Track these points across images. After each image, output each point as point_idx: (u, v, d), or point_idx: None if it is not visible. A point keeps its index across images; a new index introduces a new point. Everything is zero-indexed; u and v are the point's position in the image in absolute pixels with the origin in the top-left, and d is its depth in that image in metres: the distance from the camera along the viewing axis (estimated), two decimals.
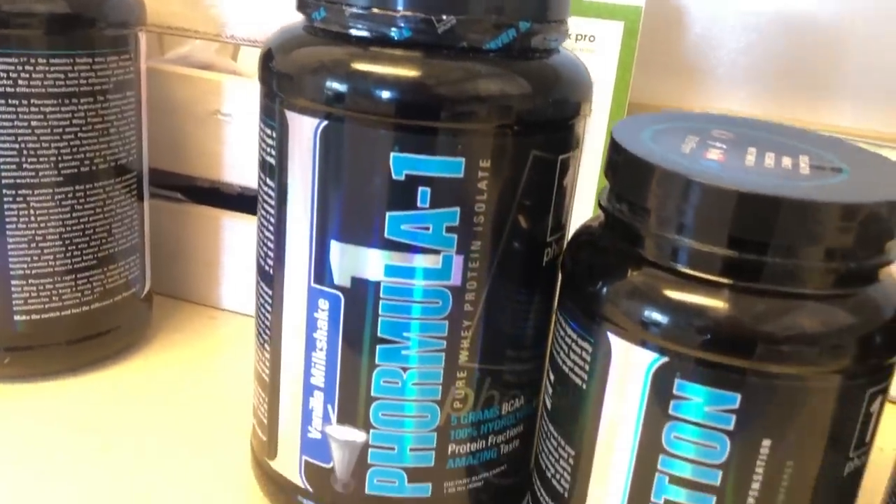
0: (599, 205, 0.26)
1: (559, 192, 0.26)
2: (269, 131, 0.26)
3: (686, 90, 0.50)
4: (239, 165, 0.42)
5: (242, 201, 0.45)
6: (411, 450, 0.26)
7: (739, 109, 0.50)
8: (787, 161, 0.24)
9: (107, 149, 0.35)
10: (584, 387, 0.25)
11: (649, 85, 0.48)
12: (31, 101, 0.32)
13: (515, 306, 0.26)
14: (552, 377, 0.27)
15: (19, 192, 0.33)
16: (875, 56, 0.49)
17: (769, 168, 0.23)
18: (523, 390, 0.28)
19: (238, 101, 0.41)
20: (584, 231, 0.27)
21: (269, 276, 0.27)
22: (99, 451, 0.32)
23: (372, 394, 0.26)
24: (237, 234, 0.44)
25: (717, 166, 0.23)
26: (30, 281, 0.35)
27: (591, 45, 0.40)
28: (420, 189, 0.24)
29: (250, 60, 0.49)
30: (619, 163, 0.24)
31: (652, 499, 0.24)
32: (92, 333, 0.37)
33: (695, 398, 0.23)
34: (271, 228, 0.27)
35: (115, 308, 0.38)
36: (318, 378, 0.26)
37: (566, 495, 0.26)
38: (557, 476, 0.26)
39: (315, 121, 0.24)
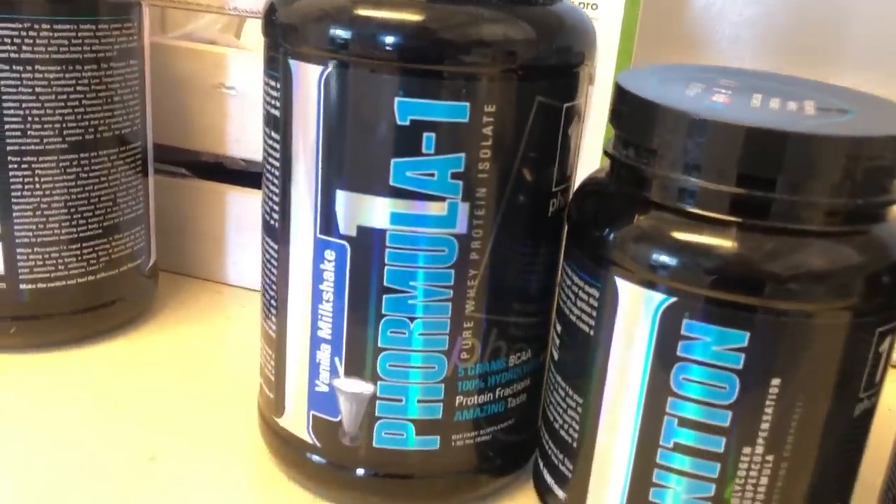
0: (605, 153, 0.26)
1: (564, 142, 0.26)
2: (273, 83, 0.26)
3: (689, 62, 0.50)
4: (243, 139, 0.42)
5: (247, 176, 0.45)
6: (419, 401, 0.26)
7: None
8: (792, 105, 0.24)
9: (111, 117, 0.35)
10: (592, 334, 0.25)
11: (652, 58, 0.48)
12: (35, 67, 0.33)
13: (521, 257, 0.26)
14: (559, 328, 0.27)
15: (24, 158, 0.33)
16: (878, 28, 0.49)
17: (774, 110, 0.23)
18: (530, 344, 0.28)
19: (242, 75, 0.41)
20: (589, 182, 0.27)
21: (275, 231, 0.27)
22: (106, 417, 0.32)
23: (379, 344, 0.26)
24: (242, 209, 0.44)
25: (722, 107, 0.23)
26: (35, 249, 0.35)
27: (595, 13, 0.39)
28: (425, 135, 0.24)
29: (254, 38, 0.49)
30: (625, 107, 0.24)
31: (661, 442, 0.24)
32: (97, 304, 0.37)
33: (703, 338, 0.22)
34: (276, 182, 0.27)
35: (121, 279, 0.38)
36: (325, 330, 0.26)
37: (575, 445, 0.26)
38: (566, 426, 0.26)
39: (319, 68, 0.24)
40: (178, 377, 0.36)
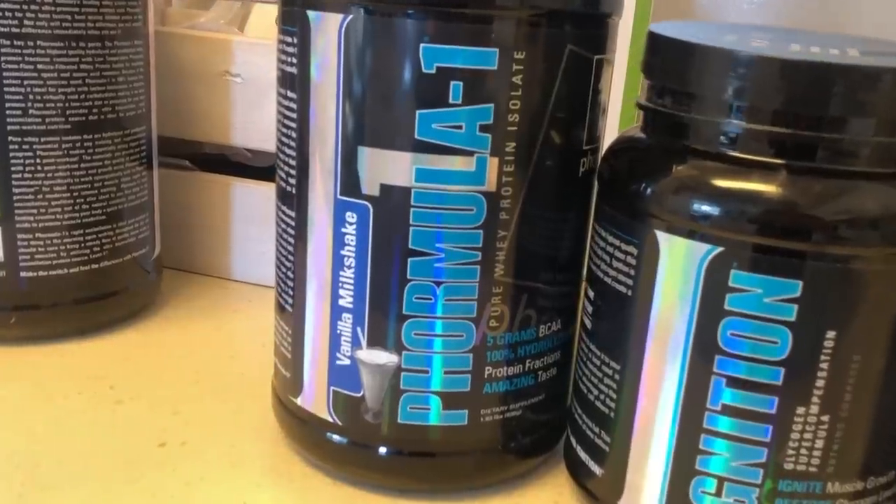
0: (638, 105, 0.25)
1: (595, 97, 0.25)
2: (289, 39, 0.25)
3: None
4: (249, 129, 0.41)
5: (252, 168, 0.43)
6: (446, 373, 0.25)
7: None
8: (834, 51, 0.23)
9: (115, 98, 0.34)
10: (630, 294, 0.23)
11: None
12: (38, 42, 0.31)
13: (552, 218, 0.25)
14: (591, 295, 0.25)
15: (25, 139, 0.32)
16: (889, 15, 0.48)
17: (818, 53, 0.22)
18: (560, 314, 0.26)
19: (248, 62, 0.40)
20: (620, 140, 0.26)
21: (291, 197, 0.26)
22: (112, 405, 0.31)
23: (404, 311, 0.24)
24: (247, 202, 0.42)
25: (765, 47, 0.22)
26: (36, 235, 0.33)
27: None
28: (452, 83, 0.22)
29: (258, 29, 0.48)
30: (660, 54, 0.23)
31: (708, 405, 0.22)
32: (100, 293, 0.36)
33: (753, 289, 0.21)
34: (293, 144, 0.25)
35: (125, 268, 0.36)
36: (347, 299, 0.25)
37: (612, 415, 0.25)
38: (602, 397, 0.25)
39: (339, 16, 0.23)
40: (185, 367, 0.34)
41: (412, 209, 0.23)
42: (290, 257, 0.26)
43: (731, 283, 0.21)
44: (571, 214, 0.26)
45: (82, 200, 0.34)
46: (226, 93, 0.41)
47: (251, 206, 0.42)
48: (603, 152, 0.26)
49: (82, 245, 0.34)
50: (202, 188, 0.43)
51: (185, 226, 0.44)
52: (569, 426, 0.28)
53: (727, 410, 0.22)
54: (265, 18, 0.49)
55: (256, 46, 0.40)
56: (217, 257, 0.44)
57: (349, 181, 0.24)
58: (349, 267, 0.25)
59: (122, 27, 0.34)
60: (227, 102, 0.41)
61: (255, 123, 0.41)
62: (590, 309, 0.26)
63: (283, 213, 0.26)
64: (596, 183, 0.26)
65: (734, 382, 0.22)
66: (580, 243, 0.27)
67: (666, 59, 0.23)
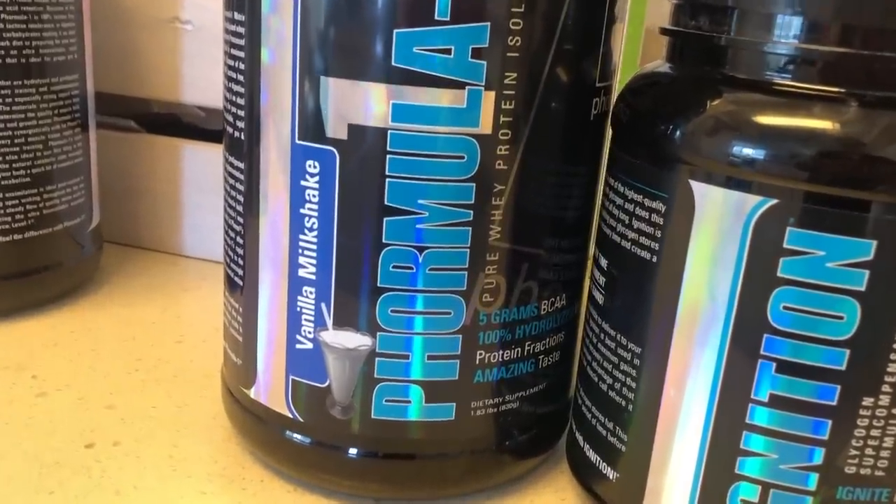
0: (663, 31, 0.20)
1: (610, 22, 0.20)
2: None
3: None
4: (201, 83, 0.36)
5: (205, 130, 0.39)
6: (429, 358, 0.21)
7: None
8: None
9: (39, 39, 0.29)
10: (654, 260, 0.19)
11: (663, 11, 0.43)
12: None
13: (558, 170, 0.21)
14: (604, 264, 0.21)
15: None
16: None
17: None
18: (565, 287, 0.22)
19: (199, 6, 0.35)
20: (640, 77, 0.21)
21: (240, 145, 0.21)
22: (35, 399, 0.26)
23: (379, 284, 0.20)
24: (201, 167, 0.38)
25: None
26: None
27: None
28: None
29: None
30: None
31: (752, 395, 0.18)
32: (26, 269, 0.31)
33: (814, 251, 0.17)
34: (240, 79, 0.21)
35: (55, 240, 0.31)
36: (308, 269, 0.20)
37: (630, 408, 0.20)
38: (617, 386, 0.21)
39: None
40: (123, 354, 0.29)
41: (388, 156, 0.19)
42: (240, 219, 0.22)
43: (785, 244, 0.17)
44: (581, 167, 0.21)
45: (1, 159, 0.29)
46: (175, 42, 0.36)
47: (204, 173, 0.38)
48: (618, 92, 0.22)
49: (2, 212, 0.29)
50: (149, 152, 0.38)
51: (129, 194, 0.39)
52: (573, 420, 0.23)
53: (775, 402, 0.18)
54: None
55: None
56: (166, 230, 0.39)
57: (310, 122, 0.19)
58: (311, 229, 0.20)
59: None
60: (176, 53, 0.36)
61: (208, 78, 0.36)
62: (602, 280, 0.21)
63: (231, 165, 0.22)
64: (610, 128, 0.22)
65: (785, 367, 0.18)
66: (590, 201, 0.23)
67: None
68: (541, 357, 0.22)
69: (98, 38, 0.34)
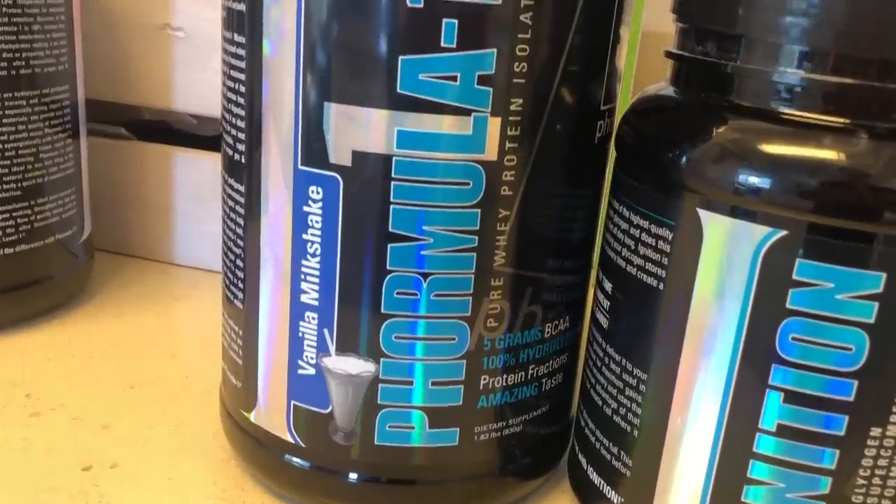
0: (668, 54, 0.20)
1: (615, 44, 0.20)
2: None
3: None
4: (193, 90, 0.36)
5: (197, 137, 0.38)
6: (433, 384, 0.20)
7: None
8: None
9: (29, 50, 0.28)
10: (661, 286, 0.19)
11: (659, 12, 0.43)
12: None
13: (563, 194, 0.20)
14: (608, 286, 0.21)
15: None
16: None
17: None
18: (568, 309, 0.22)
19: (190, 13, 0.35)
20: (644, 98, 0.21)
21: (240, 168, 0.21)
22: (29, 418, 0.26)
23: (382, 311, 0.20)
24: (192, 175, 0.37)
25: None
26: None
27: None
28: (445, 21, 0.18)
29: None
30: None
31: (760, 425, 0.18)
32: (18, 283, 0.30)
33: (822, 283, 0.17)
34: (241, 101, 0.20)
35: (47, 252, 0.31)
36: (311, 294, 0.20)
37: (635, 433, 0.20)
38: (622, 411, 0.21)
39: None
40: (117, 371, 0.29)
41: (393, 183, 0.19)
42: (240, 242, 0.21)
43: (794, 276, 0.17)
44: (584, 189, 0.21)
45: None
46: (166, 49, 0.36)
47: (196, 180, 0.37)
48: (622, 114, 0.21)
49: None
50: (140, 159, 0.38)
51: (120, 202, 0.38)
52: (576, 441, 0.23)
53: (783, 431, 0.18)
54: None
55: None
56: (157, 238, 0.38)
57: (313, 147, 0.19)
58: (314, 255, 0.20)
59: None
60: (167, 60, 0.36)
61: (200, 85, 0.36)
62: (606, 304, 0.21)
63: (231, 187, 0.21)
64: (614, 150, 0.21)
65: (793, 397, 0.18)
66: (594, 221, 0.22)
67: None
68: (544, 380, 0.22)
69: (88, 45, 0.33)
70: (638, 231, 0.20)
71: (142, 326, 0.32)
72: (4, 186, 0.29)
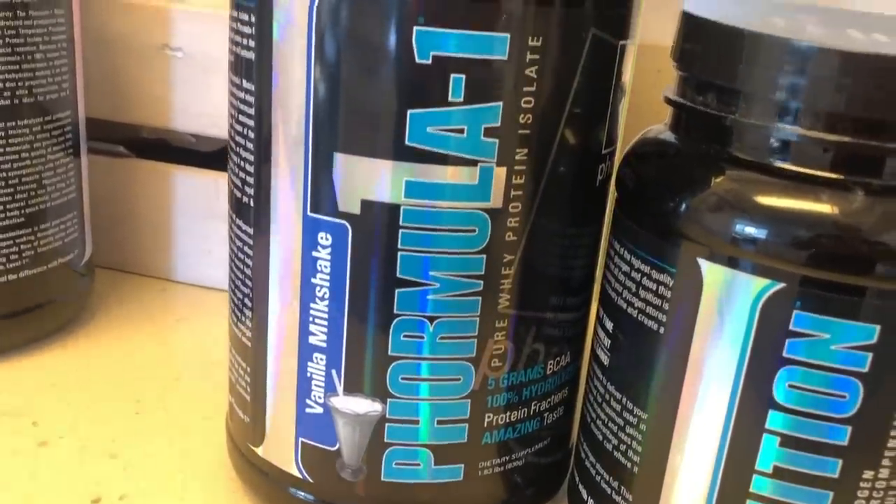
0: (667, 100, 0.21)
1: (616, 92, 0.21)
2: (245, 17, 0.20)
3: None
4: (191, 110, 0.36)
5: (195, 154, 0.38)
6: (439, 423, 0.21)
7: None
8: None
9: (32, 79, 0.29)
10: (661, 331, 0.20)
11: (653, 24, 0.44)
12: None
13: (565, 237, 0.21)
14: (609, 325, 0.22)
15: None
16: None
17: (886, 42, 0.19)
18: (570, 345, 0.23)
19: (189, 34, 0.35)
20: (644, 141, 0.22)
21: (248, 211, 0.21)
22: (36, 448, 0.26)
23: (389, 353, 0.20)
24: (190, 193, 0.37)
25: (824, 34, 0.18)
26: None
27: None
28: (452, 77, 0.18)
29: None
30: (701, 39, 0.19)
31: (757, 466, 0.19)
32: (21, 308, 0.31)
33: (819, 334, 0.17)
34: (250, 146, 0.21)
35: (49, 277, 0.31)
36: (319, 336, 0.20)
37: (635, 469, 0.21)
38: (622, 447, 0.21)
39: None
40: (122, 395, 0.29)
41: (401, 230, 0.19)
42: (248, 282, 0.22)
43: (791, 327, 0.18)
44: (586, 229, 0.22)
45: None
46: (165, 69, 0.36)
47: (194, 198, 0.37)
48: (623, 155, 0.22)
49: None
50: (139, 177, 0.38)
51: (119, 220, 0.38)
52: (576, 471, 0.24)
53: (780, 473, 0.19)
54: None
55: (200, 16, 0.35)
56: (156, 255, 0.39)
57: (322, 196, 0.19)
58: (322, 298, 0.20)
59: None
60: (166, 81, 0.36)
61: (198, 104, 0.36)
62: (607, 342, 0.22)
63: (239, 228, 0.22)
64: (615, 191, 0.22)
65: (789, 441, 0.18)
66: (594, 260, 0.23)
67: (705, 48, 0.19)
68: (546, 414, 0.23)
69: (88, 65, 0.33)
70: (639, 275, 0.20)
71: (144, 348, 0.33)
72: (8, 214, 0.29)
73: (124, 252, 0.39)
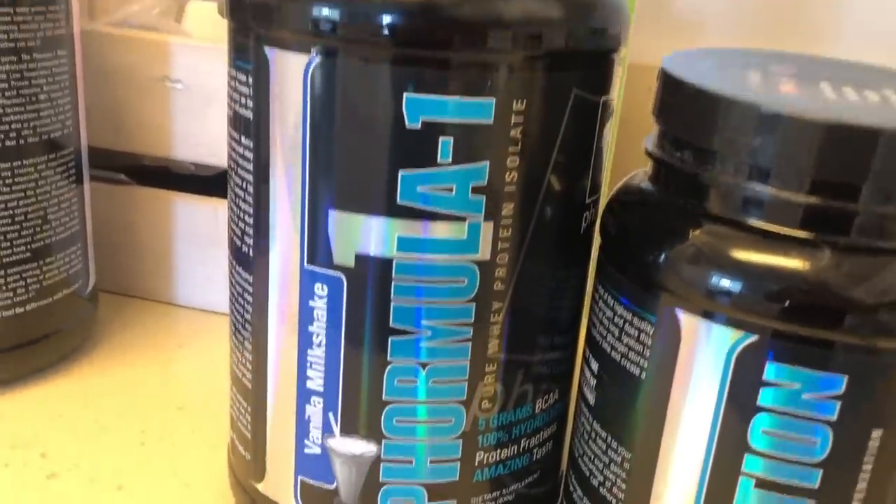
0: (648, 153, 0.22)
1: (599, 143, 0.22)
2: (243, 77, 0.21)
3: (685, 47, 0.47)
4: (191, 140, 0.37)
5: (195, 181, 0.39)
6: (432, 462, 0.22)
7: None
8: (872, 96, 0.20)
9: (36, 119, 0.30)
10: (643, 376, 0.21)
11: (645, 44, 0.45)
12: None
13: (550, 283, 0.22)
14: (594, 366, 0.22)
15: None
16: (877, 6, 0.46)
17: (856, 102, 0.19)
18: (558, 383, 0.24)
19: (188, 66, 0.36)
20: (628, 188, 0.22)
21: (248, 259, 0.22)
22: (44, 480, 0.27)
23: (384, 397, 0.21)
24: (191, 219, 0.38)
25: (796, 98, 0.19)
26: None
27: None
28: (441, 140, 0.19)
29: (198, 22, 0.43)
30: (677, 99, 0.20)
31: None
32: (28, 339, 0.32)
33: (790, 384, 0.18)
34: (249, 199, 0.22)
35: (55, 308, 0.32)
36: (316, 381, 0.21)
37: None
38: (608, 484, 0.22)
39: (304, 58, 0.19)
40: (127, 424, 0.30)
41: (393, 282, 0.20)
42: (248, 326, 0.23)
43: (764, 377, 0.19)
44: (572, 273, 0.23)
45: (2, 238, 0.30)
46: (165, 101, 0.37)
47: (195, 224, 0.38)
48: (607, 200, 0.23)
49: (4, 288, 0.30)
50: (140, 204, 0.39)
51: (121, 245, 0.39)
52: (564, 499, 0.25)
53: None
54: (206, 9, 0.44)
55: (198, 50, 0.36)
56: (158, 280, 0.40)
57: (319, 249, 0.20)
58: (319, 345, 0.21)
59: (42, 37, 0.29)
60: (166, 111, 0.37)
61: (198, 135, 0.37)
62: (592, 382, 0.23)
63: (239, 274, 0.23)
64: (599, 236, 0.23)
65: (764, 484, 0.19)
66: (580, 300, 0.24)
67: (683, 107, 0.20)
68: (535, 449, 0.24)
69: (90, 97, 0.34)
70: (621, 321, 0.21)
71: (148, 375, 0.34)
72: (14, 250, 0.30)
73: (127, 277, 0.40)
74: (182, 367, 0.35)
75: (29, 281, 0.31)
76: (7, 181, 0.29)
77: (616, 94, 0.22)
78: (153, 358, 0.35)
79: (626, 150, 0.37)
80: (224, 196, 0.24)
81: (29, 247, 0.30)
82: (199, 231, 0.38)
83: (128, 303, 0.39)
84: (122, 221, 0.39)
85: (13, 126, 0.29)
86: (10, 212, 0.30)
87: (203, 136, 0.37)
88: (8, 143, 0.29)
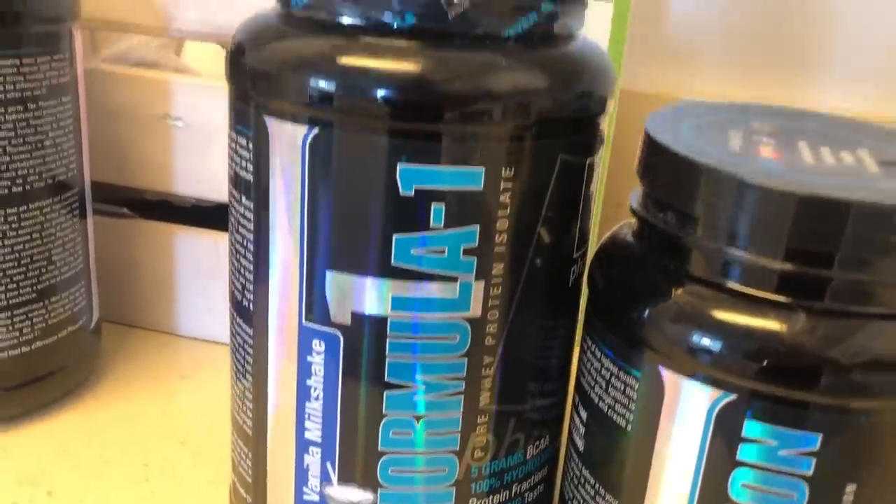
0: (633, 211, 0.22)
1: (586, 201, 0.22)
2: (243, 141, 0.22)
3: (677, 74, 0.47)
4: (192, 176, 0.38)
5: (197, 213, 0.40)
6: None
7: (730, 90, 0.47)
8: (848, 157, 0.21)
9: (42, 164, 0.30)
10: (629, 428, 0.21)
11: (637, 71, 0.45)
12: None
13: (540, 335, 0.23)
14: (583, 414, 0.23)
15: None
16: (864, 33, 0.47)
17: (832, 166, 0.20)
18: (549, 428, 0.24)
19: (188, 104, 0.37)
20: (614, 242, 0.23)
21: (248, 313, 0.23)
22: None
23: (379, 448, 0.22)
24: (192, 251, 0.39)
25: (775, 165, 0.20)
26: None
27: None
28: (433, 206, 0.20)
29: (197, 55, 0.44)
30: (661, 163, 0.21)
31: None
32: (33, 377, 0.32)
33: (768, 441, 0.19)
34: (249, 256, 0.22)
35: (60, 346, 0.33)
36: (314, 432, 0.22)
37: None
38: None
39: (303, 129, 0.20)
40: (131, 459, 0.31)
41: (388, 339, 0.21)
42: (248, 377, 0.24)
43: (743, 434, 0.19)
44: (561, 324, 0.24)
45: (8, 280, 0.30)
46: (166, 138, 0.38)
47: (196, 257, 0.39)
48: (595, 250, 0.24)
49: (10, 328, 0.31)
50: (142, 237, 0.40)
51: (124, 278, 0.40)
52: None
53: None
54: (205, 44, 0.45)
55: (198, 88, 0.37)
56: (160, 312, 0.40)
57: (316, 307, 0.21)
58: (316, 398, 0.22)
59: (47, 85, 0.30)
60: (167, 148, 0.38)
61: (199, 171, 0.38)
62: (581, 429, 0.23)
63: (239, 326, 0.24)
64: (587, 287, 0.24)
65: None
66: (569, 350, 0.25)
67: (664, 171, 0.21)
68: (526, 494, 0.24)
69: (92, 134, 0.35)
70: (608, 374, 0.22)
71: (151, 407, 0.34)
72: (21, 291, 0.31)
73: (130, 308, 0.41)
74: (184, 398, 0.36)
75: (35, 321, 0.32)
76: (13, 225, 0.30)
77: (602, 152, 0.23)
78: (156, 390, 0.36)
79: (619, 175, 0.38)
80: (224, 229, 0.24)
81: (35, 288, 0.31)
82: (200, 263, 0.39)
83: (130, 333, 0.40)
84: (125, 254, 0.40)
85: (20, 172, 0.30)
86: (17, 255, 0.30)
87: (204, 173, 0.38)
88: (15, 189, 0.30)
